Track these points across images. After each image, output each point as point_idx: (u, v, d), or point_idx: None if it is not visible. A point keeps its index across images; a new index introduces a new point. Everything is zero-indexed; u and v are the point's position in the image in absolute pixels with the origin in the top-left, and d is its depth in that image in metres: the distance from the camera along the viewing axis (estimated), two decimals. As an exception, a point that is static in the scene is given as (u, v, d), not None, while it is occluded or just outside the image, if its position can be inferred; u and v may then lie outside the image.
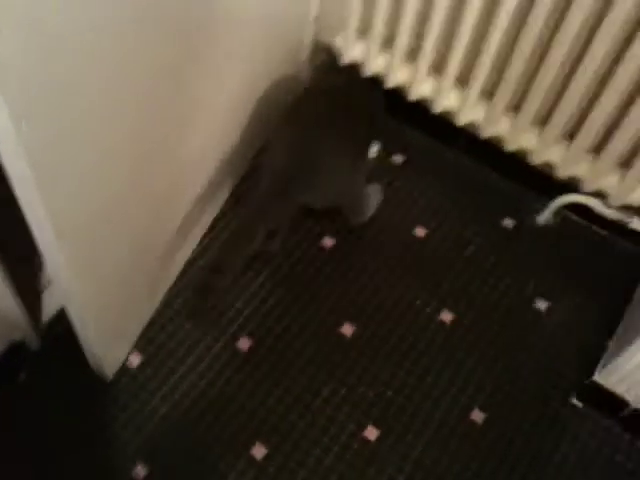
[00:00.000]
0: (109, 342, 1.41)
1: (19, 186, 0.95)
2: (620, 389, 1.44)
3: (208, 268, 1.42)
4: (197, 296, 1.45)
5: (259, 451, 1.41)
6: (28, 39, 0.79)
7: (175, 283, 1.59)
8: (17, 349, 1.44)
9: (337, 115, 1.50)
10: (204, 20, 1.23)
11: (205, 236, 1.65)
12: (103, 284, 1.28)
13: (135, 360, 1.49)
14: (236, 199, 1.71)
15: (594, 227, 1.74)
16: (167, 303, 1.56)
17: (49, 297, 1.51)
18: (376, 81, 1.68)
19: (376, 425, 1.46)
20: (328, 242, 1.68)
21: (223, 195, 1.70)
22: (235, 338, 1.53)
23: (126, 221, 1.27)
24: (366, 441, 1.44)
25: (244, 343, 1.53)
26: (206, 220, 1.66)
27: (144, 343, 1.51)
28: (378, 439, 1.44)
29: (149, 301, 1.53)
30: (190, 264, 1.61)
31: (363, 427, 1.45)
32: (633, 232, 1.62)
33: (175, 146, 1.35)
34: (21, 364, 1.46)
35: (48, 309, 1.51)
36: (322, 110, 1.51)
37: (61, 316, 1.49)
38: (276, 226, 1.50)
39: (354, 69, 1.69)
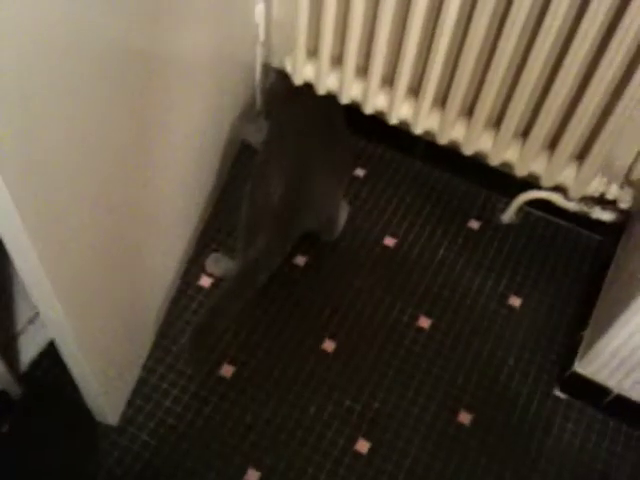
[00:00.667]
0: (112, 390, 1.41)
1: (11, 241, 0.95)
2: (600, 377, 1.47)
3: (209, 310, 1.44)
4: (197, 336, 1.46)
5: (253, 476, 1.40)
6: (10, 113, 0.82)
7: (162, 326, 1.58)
8: (-3, 399, 1.42)
9: (318, 140, 1.58)
10: (160, 63, 1.25)
11: (188, 271, 1.65)
12: (102, 335, 1.28)
13: (118, 399, 1.48)
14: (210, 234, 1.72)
15: (558, 221, 1.78)
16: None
17: (25, 343, 1.49)
18: (334, 98, 1.70)
19: (366, 438, 1.46)
20: (300, 260, 1.69)
21: (197, 230, 1.71)
22: (217, 365, 1.53)
23: (120, 269, 1.29)
24: (358, 454, 1.44)
25: (227, 370, 1.52)
26: (187, 257, 1.68)
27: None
28: (370, 451, 1.45)
29: (145, 342, 1.54)
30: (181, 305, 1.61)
31: (354, 441, 1.46)
32: (596, 221, 1.66)
33: (154, 190, 1.37)
34: (3, 414, 1.43)
35: (25, 355, 1.49)
36: (304, 138, 1.58)
37: (39, 362, 1.48)
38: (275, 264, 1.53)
39: (309, 90, 1.71)
